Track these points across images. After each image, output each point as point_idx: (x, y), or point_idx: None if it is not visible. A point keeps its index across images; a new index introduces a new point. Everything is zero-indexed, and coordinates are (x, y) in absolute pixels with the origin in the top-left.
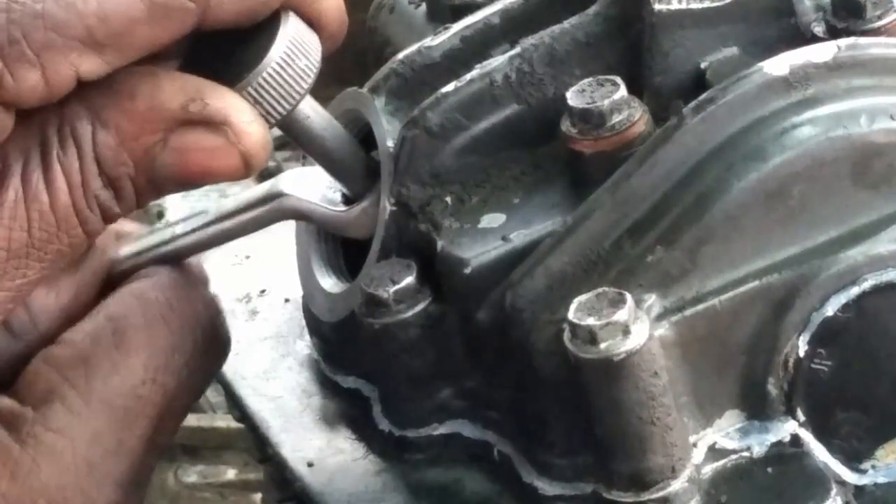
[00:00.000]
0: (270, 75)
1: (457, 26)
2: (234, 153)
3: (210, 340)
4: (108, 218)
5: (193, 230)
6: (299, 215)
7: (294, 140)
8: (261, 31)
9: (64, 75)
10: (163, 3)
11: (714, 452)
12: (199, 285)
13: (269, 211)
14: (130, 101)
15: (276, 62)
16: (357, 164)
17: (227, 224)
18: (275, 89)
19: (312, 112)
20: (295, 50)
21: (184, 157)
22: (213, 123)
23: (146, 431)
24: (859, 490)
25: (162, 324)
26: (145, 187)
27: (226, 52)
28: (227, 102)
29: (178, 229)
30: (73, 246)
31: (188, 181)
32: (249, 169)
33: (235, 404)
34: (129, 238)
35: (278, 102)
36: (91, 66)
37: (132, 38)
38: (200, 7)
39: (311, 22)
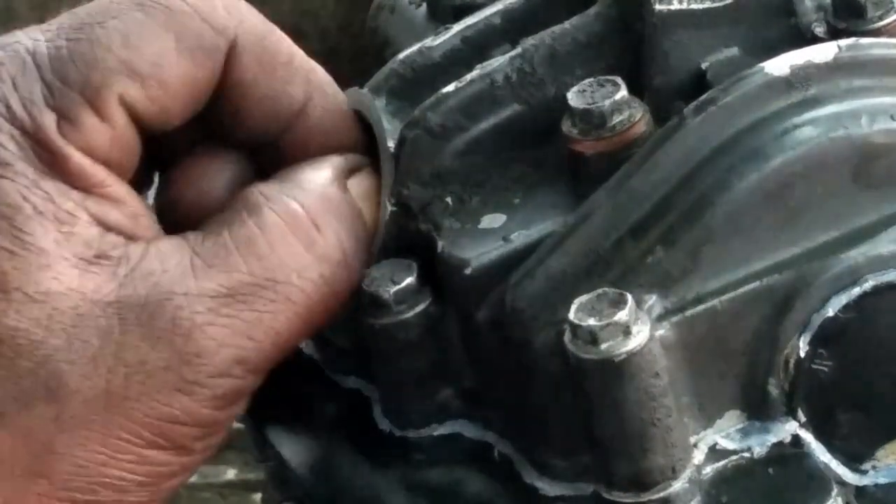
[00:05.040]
0: None
1: (457, 26)
2: None
3: None
4: None
5: None
6: None
7: None
8: None
9: (115, 108)
10: (189, 33)
11: (715, 453)
12: None
13: None
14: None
15: None
16: None
17: None
18: None
19: None
20: None
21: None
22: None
23: None
24: (860, 491)
25: None
26: None
27: None
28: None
29: None
30: None
31: None
32: None
33: None
34: None
35: None
36: (137, 95)
37: (168, 68)
38: (227, 41)
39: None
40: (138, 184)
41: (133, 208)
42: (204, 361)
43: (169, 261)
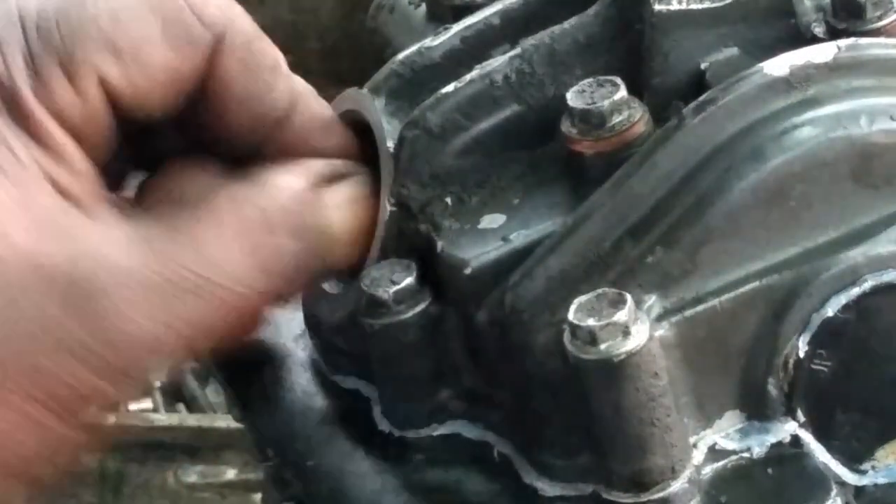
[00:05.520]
0: None
1: (457, 27)
2: None
3: None
4: None
5: None
6: None
7: None
8: None
9: (90, 82)
10: (178, 22)
11: (714, 453)
12: None
13: None
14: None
15: None
16: None
17: None
18: None
19: None
20: None
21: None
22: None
23: None
24: (859, 491)
25: None
26: None
27: None
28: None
29: None
30: None
31: None
32: None
33: (235, 404)
34: None
35: None
36: (115, 73)
37: (150, 51)
38: (214, 37)
39: None
40: (116, 180)
41: (90, 178)
42: (116, 341)
43: (111, 234)
